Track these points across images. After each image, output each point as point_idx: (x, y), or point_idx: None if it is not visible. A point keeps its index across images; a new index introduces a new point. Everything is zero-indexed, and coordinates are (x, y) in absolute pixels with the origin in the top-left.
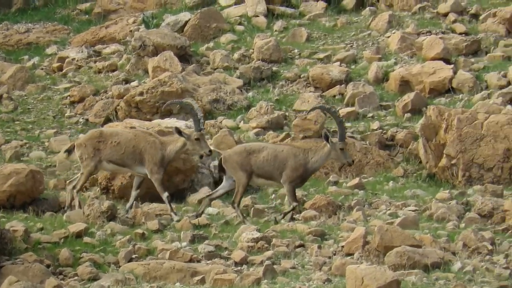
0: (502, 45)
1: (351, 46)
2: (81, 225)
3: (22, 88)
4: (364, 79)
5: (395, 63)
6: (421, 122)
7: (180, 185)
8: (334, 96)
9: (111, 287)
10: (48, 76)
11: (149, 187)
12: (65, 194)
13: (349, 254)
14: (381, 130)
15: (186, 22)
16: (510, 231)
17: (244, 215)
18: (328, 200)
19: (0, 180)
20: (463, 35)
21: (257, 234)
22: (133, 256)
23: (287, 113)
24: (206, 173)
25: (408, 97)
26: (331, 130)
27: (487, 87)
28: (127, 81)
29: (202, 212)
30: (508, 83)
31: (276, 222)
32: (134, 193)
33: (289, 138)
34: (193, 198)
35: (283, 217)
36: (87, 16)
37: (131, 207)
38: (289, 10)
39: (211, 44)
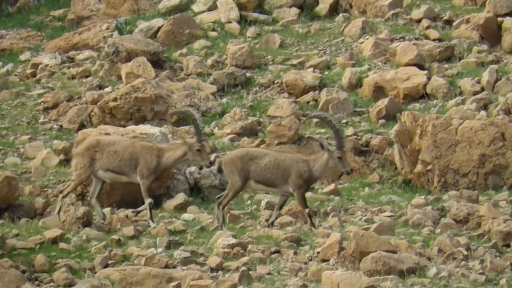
0: (475, 51)
1: (325, 52)
2: (57, 231)
3: None
4: (337, 85)
5: (369, 69)
6: (395, 128)
7: (156, 191)
8: (308, 102)
9: None
10: (22, 82)
11: (124, 193)
12: (40, 200)
13: (325, 260)
14: (355, 136)
15: (159, 28)
16: (485, 237)
17: (222, 221)
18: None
19: None
20: (437, 41)
21: (232, 240)
22: (109, 262)
23: (261, 119)
24: (182, 180)
25: (382, 103)
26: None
27: (461, 93)
28: (100, 87)
29: (223, 221)
30: (482, 89)
31: (310, 229)
32: (147, 201)
33: (263, 144)
34: (169, 204)
35: (311, 227)
36: (60, 22)
37: (151, 218)
38: (262, 17)
39: (184, 50)
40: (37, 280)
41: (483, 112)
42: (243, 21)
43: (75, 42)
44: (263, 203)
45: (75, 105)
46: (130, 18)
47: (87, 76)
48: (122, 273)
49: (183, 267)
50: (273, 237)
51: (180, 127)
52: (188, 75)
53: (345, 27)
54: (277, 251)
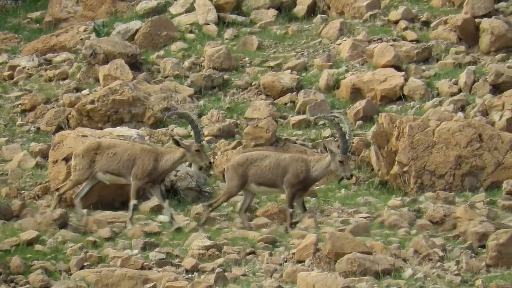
0: (453, 52)
1: (302, 54)
2: (33, 233)
3: None
4: (315, 86)
5: (346, 71)
6: (372, 129)
7: None
8: (286, 104)
9: None
10: None
11: (101, 195)
12: (17, 202)
13: (300, 261)
14: (332, 138)
15: (137, 30)
16: (461, 238)
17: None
18: (280, 208)
19: None
20: (414, 42)
21: (208, 242)
22: (85, 263)
23: (238, 121)
24: None
25: (360, 104)
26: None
27: (438, 94)
28: (78, 89)
29: (249, 225)
30: (459, 90)
31: (286, 230)
32: (165, 204)
33: (240, 146)
34: (145, 206)
35: (288, 226)
36: (37, 24)
37: (172, 217)
38: (240, 18)
39: (161, 52)
40: (13, 282)
41: (460, 114)
42: (221, 23)
43: (53, 44)
44: (239, 205)
45: (53, 107)
46: (107, 20)
47: (64, 79)
48: (98, 274)
49: (159, 269)
50: (249, 238)
51: (158, 129)
52: (166, 77)
53: (322, 28)
54: (253, 252)
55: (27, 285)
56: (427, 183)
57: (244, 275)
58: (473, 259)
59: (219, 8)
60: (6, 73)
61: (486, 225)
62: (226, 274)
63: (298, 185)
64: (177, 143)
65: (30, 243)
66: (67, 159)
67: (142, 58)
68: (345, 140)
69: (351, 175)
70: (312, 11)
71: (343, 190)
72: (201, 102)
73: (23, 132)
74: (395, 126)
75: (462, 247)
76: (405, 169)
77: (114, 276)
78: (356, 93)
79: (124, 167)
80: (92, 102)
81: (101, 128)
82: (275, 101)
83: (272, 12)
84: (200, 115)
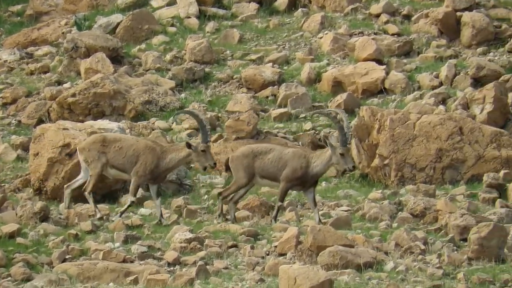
0: (434, 45)
1: (284, 47)
2: (14, 226)
3: None
4: (296, 80)
5: (328, 64)
6: (354, 122)
7: (113, 186)
8: (267, 97)
9: (44, 287)
10: None
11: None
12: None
13: (282, 254)
14: (313, 131)
15: (118, 23)
16: (442, 231)
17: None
18: (261, 201)
19: None
20: (395, 36)
21: (189, 235)
22: (67, 256)
23: (219, 114)
24: None
25: (341, 97)
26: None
27: (419, 88)
28: (59, 82)
29: (235, 217)
30: (440, 84)
31: (271, 222)
32: (157, 202)
33: (221, 139)
34: (126, 198)
35: (273, 219)
36: (19, 18)
37: (162, 215)
38: (221, 12)
39: (143, 46)
40: None
41: (441, 107)
42: (202, 16)
43: (34, 37)
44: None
45: (34, 100)
46: (89, 13)
47: (45, 72)
48: (80, 267)
49: (141, 262)
50: (230, 231)
51: (138, 122)
52: (147, 71)
53: (304, 22)
54: (234, 246)
55: (9, 278)
56: (407, 176)
57: (226, 268)
58: (455, 252)
59: (200, 2)
60: None
61: (467, 218)
62: (208, 267)
63: (295, 181)
64: (189, 146)
65: (12, 236)
66: (70, 155)
67: (124, 52)
68: (344, 132)
69: (353, 167)
70: (293, 4)
71: (323, 183)
72: (183, 95)
73: (4, 125)
74: (376, 119)
75: (444, 240)
76: (385, 162)
77: (96, 269)
78: (338, 86)
79: (128, 162)
80: (73, 95)
81: (82, 121)
82: (256, 94)
83: (253, 5)
84: (181, 108)
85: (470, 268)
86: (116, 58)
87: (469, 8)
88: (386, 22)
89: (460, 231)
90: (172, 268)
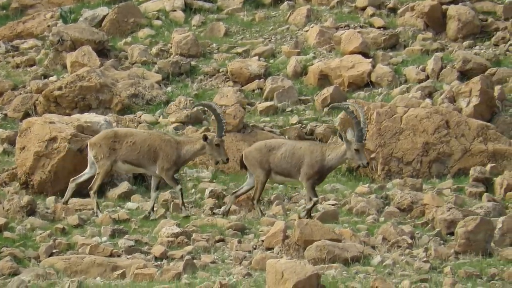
0: (420, 38)
1: (270, 40)
2: (1, 220)
3: None
4: (283, 73)
5: (314, 57)
6: (340, 116)
7: None
8: (253, 90)
9: (31, 281)
10: None
11: (68, 182)
12: None
13: (269, 248)
14: (300, 124)
15: (104, 16)
16: (429, 225)
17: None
18: (248, 195)
19: None
20: (382, 29)
21: (177, 229)
22: (54, 250)
23: (206, 108)
24: None
25: (327, 91)
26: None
27: (406, 81)
28: (45, 76)
29: (229, 210)
30: (427, 77)
31: (299, 217)
32: (154, 194)
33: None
34: (113, 193)
35: (306, 214)
36: (4, 11)
37: (152, 209)
38: (207, 5)
39: (129, 39)
40: None
41: (428, 100)
42: (188, 10)
43: (20, 31)
44: (207, 192)
45: (20, 94)
46: (74, 6)
47: (31, 65)
48: (67, 261)
49: (128, 256)
50: (218, 225)
51: (125, 116)
52: (133, 64)
53: (290, 15)
54: (222, 240)
55: None
56: (394, 170)
57: (213, 262)
58: (442, 246)
59: None
60: None
61: (454, 212)
62: (195, 261)
63: (315, 175)
64: (205, 138)
65: None
66: (81, 150)
67: (110, 45)
68: (360, 128)
69: (368, 163)
70: None
71: None
72: (169, 88)
73: None
74: None
75: (431, 234)
76: (372, 155)
77: (83, 263)
78: (324, 79)
79: (144, 158)
80: (60, 88)
81: (68, 115)
82: (242, 88)
83: None
84: (167, 102)
85: (457, 262)
86: (102, 51)
87: (454, 1)
88: (372, 15)
89: (447, 225)
90: (159, 262)
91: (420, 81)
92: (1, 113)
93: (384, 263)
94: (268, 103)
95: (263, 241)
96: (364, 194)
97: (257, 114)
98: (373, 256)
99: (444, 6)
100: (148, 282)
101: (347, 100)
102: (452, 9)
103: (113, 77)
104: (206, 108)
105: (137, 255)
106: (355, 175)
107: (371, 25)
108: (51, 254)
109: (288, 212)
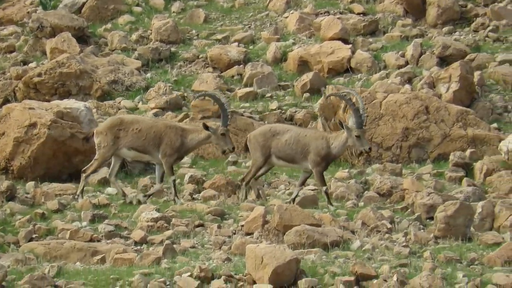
0: (400, 25)
1: (249, 26)
2: None
3: None
4: (262, 59)
5: (294, 44)
6: (320, 102)
7: (80, 166)
8: (233, 76)
9: (11, 266)
10: None
11: (48, 167)
12: None
13: (249, 233)
14: (280, 110)
15: (84, 3)
16: (409, 210)
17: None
18: (227, 180)
19: None
20: (361, 15)
21: (156, 214)
22: (33, 236)
23: (185, 94)
24: None
25: (307, 77)
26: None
27: (385, 67)
28: (25, 62)
29: (259, 194)
30: (406, 63)
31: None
32: (157, 186)
33: (187, 119)
34: (93, 178)
35: (328, 205)
36: None
37: (176, 195)
38: None
39: (109, 25)
40: None
41: (407, 86)
42: None
43: None
44: (186, 177)
45: (0, 80)
46: None
47: (11, 52)
48: (47, 247)
49: (108, 241)
50: (197, 210)
51: (105, 102)
52: (113, 50)
53: (269, 1)
54: (201, 225)
55: None
56: (374, 155)
57: (193, 247)
58: (421, 231)
59: None
60: None
61: (434, 197)
62: (174, 246)
63: (323, 162)
64: (206, 127)
65: None
66: (87, 138)
67: (89, 31)
68: (359, 114)
69: (370, 148)
70: None
71: None
72: (148, 74)
73: None
74: None
75: (410, 219)
76: None
77: (63, 248)
78: (303, 65)
79: (150, 144)
80: (39, 75)
81: (48, 101)
82: (222, 74)
83: None
84: (147, 88)
85: (437, 247)
86: (82, 38)
87: None
88: (352, 2)
89: (427, 210)
90: (139, 247)
91: (399, 67)
92: None
93: (363, 248)
94: (248, 89)
95: (242, 226)
96: (343, 179)
97: (236, 100)
98: (352, 241)
99: None
100: (127, 267)
101: (327, 86)
102: None
103: (92, 64)
104: (211, 98)
105: (116, 240)
106: (334, 161)
107: (351, 11)
108: (30, 239)
109: (267, 198)
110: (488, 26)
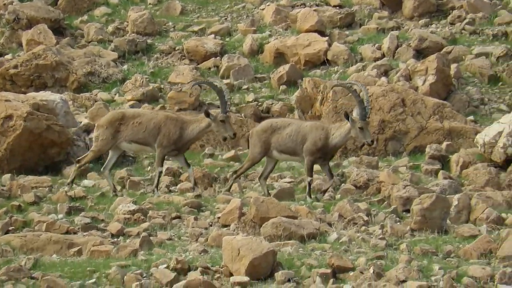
0: (376, 17)
1: (226, 18)
2: None
3: None
4: (239, 51)
5: (270, 36)
6: (296, 94)
7: (56, 158)
8: (209, 68)
9: None
10: None
11: (24, 159)
12: None
13: (225, 226)
14: (256, 102)
15: None
16: (385, 202)
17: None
18: (203, 172)
19: None
20: (338, 7)
21: (133, 206)
22: (10, 228)
23: (162, 86)
24: (82, 146)
25: (283, 69)
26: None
27: (361, 59)
28: (1, 54)
29: (268, 193)
30: (383, 55)
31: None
32: (190, 170)
33: (164, 111)
34: (69, 170)
35: (308, 194)
36: None
37: (195, 184)
38: None
39: (85, 17)
40: None
41: (383, 78)
42: None
43: None
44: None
45: None
46: None
47: None
48: (23, 239)
49: (84, 233)
50: (174, 202)
51: (81, 94)
52: (89, 42)
53: None
54: (178, 217)
55: None
56: (350, 148)
57: (169, 239)
58: (398, 223)
59: None
60: None
61: (410, 190)
62: (151, 238)
63: (317, 153)
64: (207, 114)
65: None
66: (88, 131)
67: (66, 23)
68: (363, 106)
69: (372, 141)
70: None
71: None
72: (125, 66)
73: None
74: (319, 90)
75: (387, 212)
76: None
77: (39, 240)
78: (280, 57)
79: (150, 136)
80: (16, 66)
81: (24, 93)
82: (198, 66)
83: None
84: (123, 80)
85: (413, 239)
86: (58, 29)
87: None
88: None
89: (403, 203)
90: (115, 239)
91: (376, 60)
92: None
93: (340, 240)
94: (224, 81)
95: (219, 218)
96: (320, 171)
97: (213, 91)
98: (329, 233)
99: None
100: (104, 259)
101: (303, 78)
102: None
103: (69, 55)
104: (209, 86)
105: (93, 232)
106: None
107: (327, 4)
108: (7, 232)
109: (244, 190)
110: (465, 18)
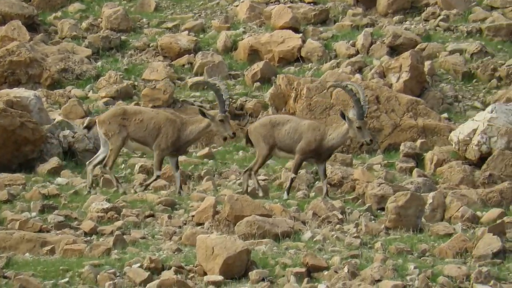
0: (350, 14)
1: (200, 15)
2: None
3: None
4: (212, 48)
5: (244, 32)
6: (270, 91)
7: (29, 155)
8: (183, 65)
9: None
10: None
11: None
12: None
13: (200, 224)
14: (230, 99)
15: None
16: (360, 200)
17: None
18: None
19: None
20: (312, 4)
21: (107, 204)
22: None
23: (136, 83)
24: (56, 143)
25: (257, 66)
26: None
27: (336, 56)
28: None
29: (259, 185)
30: (357, 52)
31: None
32: (177, 174)
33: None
34: (43, 168)
35: (287, 190)
36: None
37: (181, 188)
38: None
39: (59, 13)
40: None
41: (357, 75)
42: None
43: None
44: (137, 167)
45: None
46: None
47: None
48: None
49: (57, 231)
50: (148, 201)
51: (55, 90)
52: (63, 39)
53: None
54: (152, 215)
55: None
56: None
57: (143, 237)
58: (372, 221)
59: None
60: None
61: (385, 188)
62: (125, 237)
63: (309, 153)
64: (203, 114)
65: None
66: (89, 128)
67: (39, 19)
68: (361, 106)
69: (371, 140)
70: None
71: (240, 153)
72: (99, 63)
73: None
74: (293, 88)
75: (361, 210)
76: None
77: (12, 238)
78: (254, 54)
79: (149, 135)
80: None
81: None
82: (172, 63)
83: None
84: (97, 76)
85: (388, 238)
86: (32, 26)
87: None
88: None
89: (378, 200)
90: (89, 238)
91: (350, 56)
92: None
93: (314, 239)
94: (198, 78)
95: (193, 216)
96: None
97: (187, 89)
98: (303, 232)
99: None
100: (77, 257)
101: (277, 75)
102: None
103: (42, 52)
104: (207, 85)
105: (66, 231)
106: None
107: (301, 0)
108: None
109: (218, 188)
110: (439, 15)
